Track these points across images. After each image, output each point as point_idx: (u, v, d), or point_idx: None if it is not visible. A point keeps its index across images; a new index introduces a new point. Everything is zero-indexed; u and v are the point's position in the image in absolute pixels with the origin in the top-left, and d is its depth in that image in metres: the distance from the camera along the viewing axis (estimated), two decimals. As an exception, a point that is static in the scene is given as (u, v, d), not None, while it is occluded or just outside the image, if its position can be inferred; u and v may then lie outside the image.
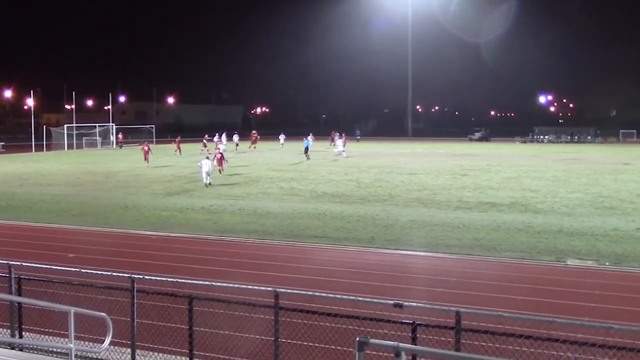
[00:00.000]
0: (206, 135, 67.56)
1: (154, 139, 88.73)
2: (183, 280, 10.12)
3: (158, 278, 10.44)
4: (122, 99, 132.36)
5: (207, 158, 36.79)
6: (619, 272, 16.35)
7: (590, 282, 15.32)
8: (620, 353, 7.27)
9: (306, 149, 55.89)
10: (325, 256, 18.33)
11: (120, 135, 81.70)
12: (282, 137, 76.52)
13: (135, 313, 9.71)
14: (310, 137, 61.32)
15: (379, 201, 28.82)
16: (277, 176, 40.36)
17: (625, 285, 15.13)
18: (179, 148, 62.45)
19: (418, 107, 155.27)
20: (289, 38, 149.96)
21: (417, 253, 18.65)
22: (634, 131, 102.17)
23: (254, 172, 43.08)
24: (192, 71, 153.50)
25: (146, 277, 10.20)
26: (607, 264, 17.03)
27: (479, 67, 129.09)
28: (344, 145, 60.82)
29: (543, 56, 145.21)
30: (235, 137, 74.34)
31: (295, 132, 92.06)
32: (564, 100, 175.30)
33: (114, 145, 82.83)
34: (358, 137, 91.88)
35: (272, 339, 9.08)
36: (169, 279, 10.22)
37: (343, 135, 66.33)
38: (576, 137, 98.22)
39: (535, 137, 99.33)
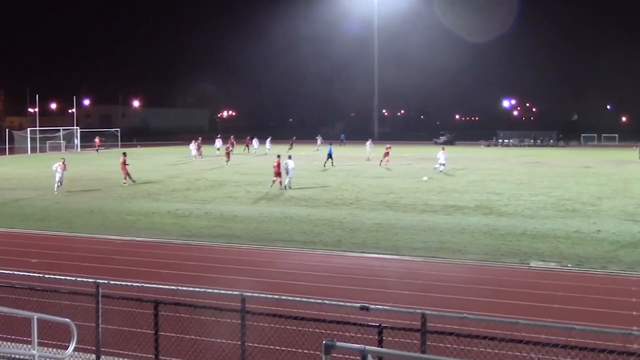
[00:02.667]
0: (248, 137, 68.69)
1: (119, 143, 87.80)
2: (149, 285, 10.08)
3: (123, 283, 10.36)
4: (86, 102, 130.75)
5: (290, 158, 35.80)
6: (581, 273, 16.65)
7: (553, 283, 15.58)
8: (582, 353, 7.41)
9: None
10: (292, 260, 18.35)
11: (97, 139, 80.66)
12: (268, 142, 74.71)
13: (100, 318, 9.62)
14: (368, 143, 65.15)
15: (345, 204, 28.93)
16: (244, 180, 40.24)
17: (587, 286, 15.42)
18: (200, 149, 63.53)
19: (384, 111, 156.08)
20: (255, 41, 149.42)
21: (383, 256, 18.75)
22: (595, 135, 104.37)
23: (220, 176, 42.90)
24: (158, 74, 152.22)
25: (111, 282, 10.11)
26: (569, 265, 17.33)
27: (443, 71, 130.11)
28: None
29: (506, 61, 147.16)
30: (255, 142, 74.43)
31: (262, 136, 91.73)
32: (527, 105, 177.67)
33: (78, 149, 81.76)
34: (343, 141, 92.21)
35: (239, 343, 9.07)
36: (134, 284, 10.15)
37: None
38: (539, 141, 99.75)
39: (500, 140, 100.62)
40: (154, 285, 10.11)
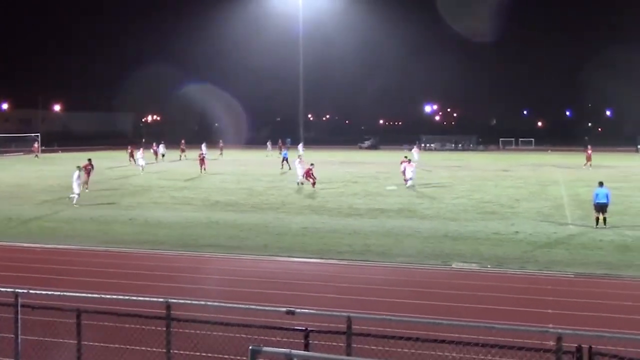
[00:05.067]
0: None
1: (40, 148, 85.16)
2: (70, 294, 9.85)
3: (44, 292, 10.11)
4: (4, 106, 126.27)
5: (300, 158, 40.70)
6: (500, 273, 17.19)
7: (474, 284, 16.03)
8: (501, 351, 7.68)
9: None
10: (218, 265, 18.26)
11: (36, 145, 78.17)
12: (161, 146, 69.72)
13: (19, 329, 9.35)
14: (414, 149, 62.61)
15: (271, 209, 28.95)
16: (169, 185, 39.75)
17: (506, 286, 15.94)
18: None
19: (310, 115, 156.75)
20: (178, 44, 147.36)
21: (310, 260, 18.88)
22: (512, 139, 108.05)
23: (145, 182, 42.21)
24: (80, 77, 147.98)
25: (31, 291, 9.85)
26: (488, 266, 17.87)
27: (368, 75, 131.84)
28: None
29: (428, 66, 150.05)
30: (203, 147, 70.60)
31: (190, 141, 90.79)
32: (448, 110, 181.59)
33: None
34: (288, 146, 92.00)
35: (164, 350, 8.99)
36: (55, 293, 9.92)
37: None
38: (460, 145, 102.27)
39: (422, 145, 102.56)
40: (76, 294, 9.89)
